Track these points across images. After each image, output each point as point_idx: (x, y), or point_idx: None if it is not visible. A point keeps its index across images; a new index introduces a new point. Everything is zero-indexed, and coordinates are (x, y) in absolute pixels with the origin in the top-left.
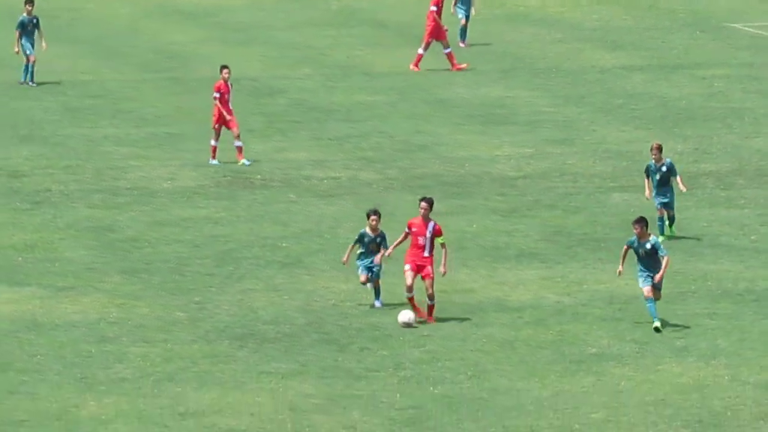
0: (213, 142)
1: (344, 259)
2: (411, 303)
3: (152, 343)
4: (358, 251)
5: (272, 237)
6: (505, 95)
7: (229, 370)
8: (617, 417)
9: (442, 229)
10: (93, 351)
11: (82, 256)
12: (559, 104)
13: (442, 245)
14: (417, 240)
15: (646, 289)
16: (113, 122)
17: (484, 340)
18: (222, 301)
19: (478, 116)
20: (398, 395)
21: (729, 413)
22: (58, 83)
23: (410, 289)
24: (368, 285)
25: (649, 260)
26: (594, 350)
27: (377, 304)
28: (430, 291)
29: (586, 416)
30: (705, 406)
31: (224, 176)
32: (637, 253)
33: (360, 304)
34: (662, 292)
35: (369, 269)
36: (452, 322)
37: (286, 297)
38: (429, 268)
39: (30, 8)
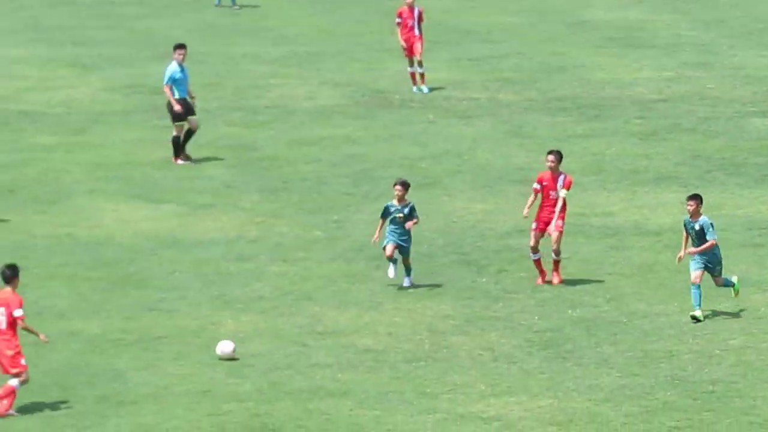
0: (409, 69)
1: (375, 237)
2: (537, 265)
3: (290, 262)
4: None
5: (410, 157)
6: (645, 18)
7: (367, 290)
8: (756, 343)
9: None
10: (231, 269)
11: (221, 174)
12: (699, 28)
13: (563, 199)
14: (548, 194)
15: (695, 274)
16: (253, 40)
17: (622, 264)
18: (360, 221)
19: (618, 39)
20: (536, 317)
21: None
22: (197, 1)
23: (534, 250)
24: (391, 266)
25: (699, 242)
26: (733, 276)
27: (406, 282)
28: (555, 246)
29: (724, 342)
30: None
31: (363, 96)
32: (687, 233)
33: (497, 226)
34: None
35: (399, 244)
36: (590, 245)
37: (424, 217)
38: (559, 222)
39: None
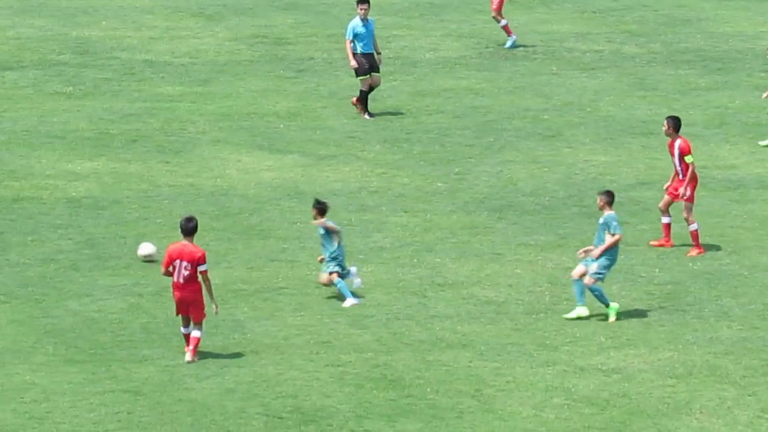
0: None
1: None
2: (663, 229)
3: (412, 213)
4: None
5: (533, 109)
6: None
7: (488, 242)
8: None
9: (690, 147)
10: (353, 219)
11: (343, 125)
12: None
13: (688, 165)
14: (673, 163)
15: (577, 269)
16: None
17: (744, 217)
18: (481, 173)
19: None
20: (657, 270)
21: None
22: None
23: (662, 212)
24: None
25: (598, 238)
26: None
27: (356, 282)
28: (684, 214)
29: None
30: None
31: (486, 47)
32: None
33: (619, 179)
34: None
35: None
36: (712, 198)
37: (546, 169)
38: (681, 189)
39: None
